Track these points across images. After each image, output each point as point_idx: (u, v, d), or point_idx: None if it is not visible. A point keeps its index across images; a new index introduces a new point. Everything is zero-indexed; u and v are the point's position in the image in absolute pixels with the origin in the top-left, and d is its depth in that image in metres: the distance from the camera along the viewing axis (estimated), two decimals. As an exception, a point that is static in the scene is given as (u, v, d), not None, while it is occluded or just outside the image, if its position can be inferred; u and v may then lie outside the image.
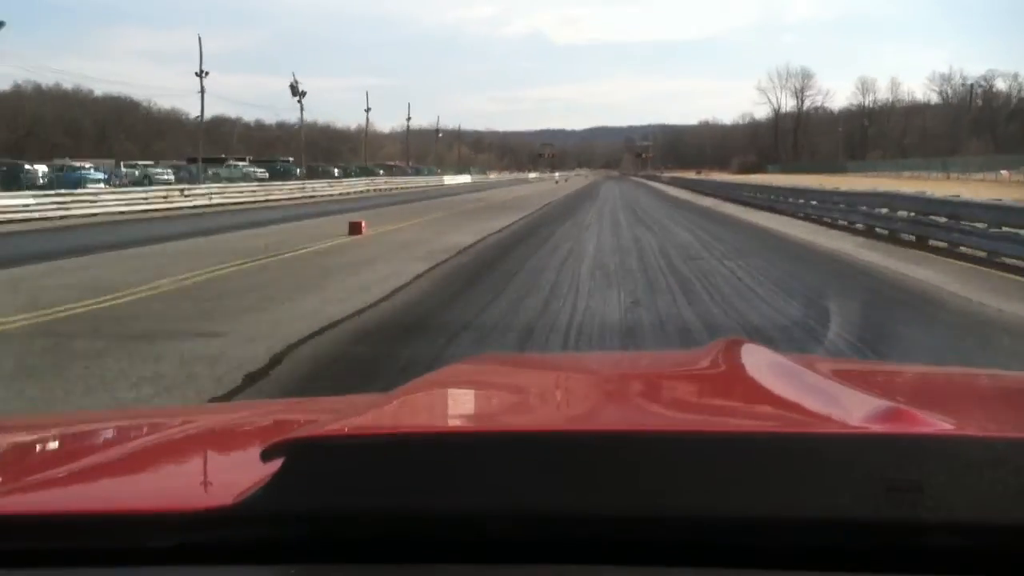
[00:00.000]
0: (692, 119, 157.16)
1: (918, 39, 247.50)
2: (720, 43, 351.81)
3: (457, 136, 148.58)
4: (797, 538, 0.74)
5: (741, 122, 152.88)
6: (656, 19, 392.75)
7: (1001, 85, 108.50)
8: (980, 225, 12.76)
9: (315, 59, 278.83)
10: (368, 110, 77.13)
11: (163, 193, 30.31)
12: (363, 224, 17.32)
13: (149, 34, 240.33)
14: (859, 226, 18.03)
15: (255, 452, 0.83)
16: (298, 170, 56.78)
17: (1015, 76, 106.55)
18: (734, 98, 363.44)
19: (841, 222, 19.29)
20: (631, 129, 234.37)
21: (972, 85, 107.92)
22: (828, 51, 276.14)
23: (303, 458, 0.79)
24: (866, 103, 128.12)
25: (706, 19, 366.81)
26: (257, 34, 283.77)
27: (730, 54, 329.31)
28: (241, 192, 35.97)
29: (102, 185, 34.10)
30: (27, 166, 35.65)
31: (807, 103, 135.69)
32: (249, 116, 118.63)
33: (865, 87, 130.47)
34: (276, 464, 0.79)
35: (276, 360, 5.81)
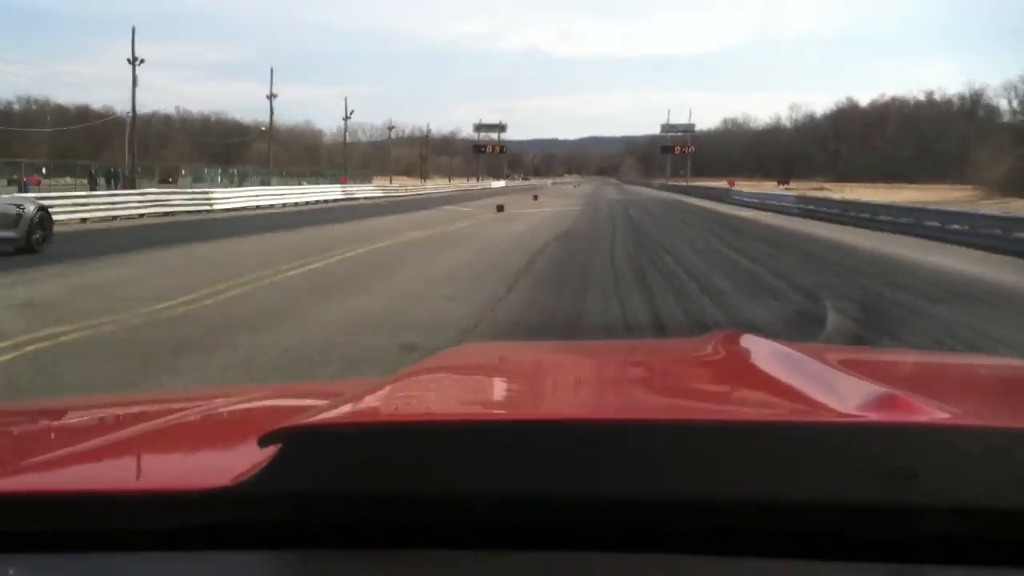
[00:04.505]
0: (702, 126, 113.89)
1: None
2: (717, 59, 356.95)
3: (412, 141, 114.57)
4: (792, 523, 0.74)
5: (790, 119, 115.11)
6: (652, 36, 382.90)
7: None
8: None
9: (310, 69, 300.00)
10: (272, 97, 47.86)
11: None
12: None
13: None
14: None
15: (253, 438, 0.82)
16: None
17: None
18: (738, 109, 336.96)
19: None
20: (628, 139, 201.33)
21: None
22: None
23: (300, 446, 0.78)
24: None
25: (703, 36, 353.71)
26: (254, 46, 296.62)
27: (728, 69, 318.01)
28: None
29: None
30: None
31: None
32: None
33: None
34: (274, 450, 0.78)
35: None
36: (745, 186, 56.84)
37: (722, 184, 61.73)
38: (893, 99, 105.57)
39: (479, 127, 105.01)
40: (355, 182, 56.57)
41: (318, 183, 50.91)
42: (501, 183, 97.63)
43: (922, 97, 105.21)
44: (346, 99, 66.71)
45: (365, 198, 46.05)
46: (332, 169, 72.73)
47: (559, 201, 42.27)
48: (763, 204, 34.72)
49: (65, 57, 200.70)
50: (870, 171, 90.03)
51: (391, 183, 75.26)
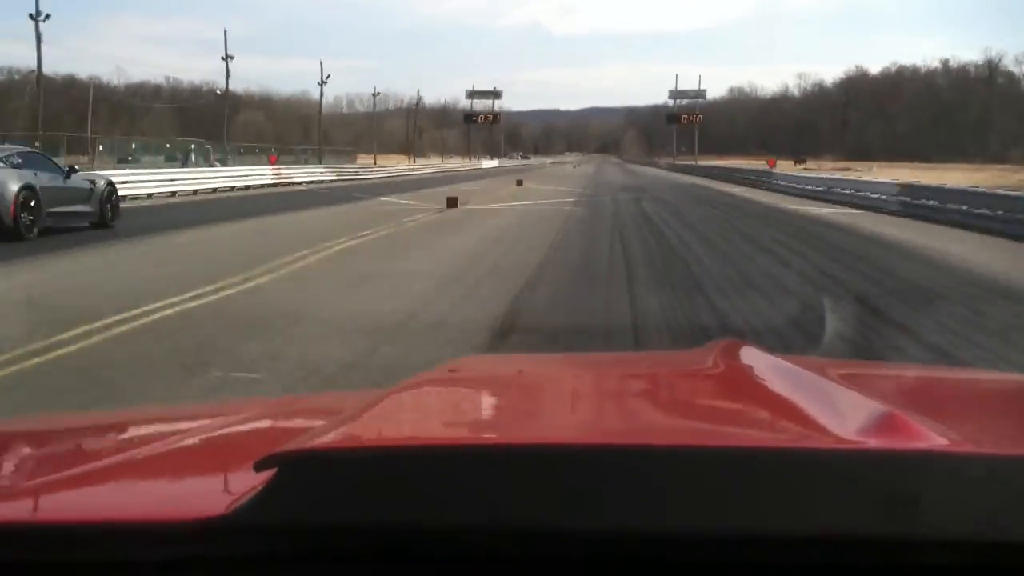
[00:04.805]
0: (708, 96, 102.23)
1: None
2: (719, 33, 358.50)
3: (409, 112, 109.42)
4: (794, 555, 0.73)
5: (798, 87, 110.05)
6: (653, 11, 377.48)
7: None
8: None
9: (308, 43, 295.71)
10: (228, 59, 51.52)
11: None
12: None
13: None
14: None
15: (247, 460, 0.81)
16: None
17: None
18: (744, 80, 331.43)
19: None
20: (631, 109, 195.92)
21: None
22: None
23: (296, 472, 0.77)
24: None
25: (703, 10, 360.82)
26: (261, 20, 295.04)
27: (730, 43, 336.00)
28: None
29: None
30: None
31: None
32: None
33: None
34: (271, 475, 0.77)
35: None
36: (754, 165, 51.74)
37: (743, 163, 56.85)
38: (904, 67, 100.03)
39: (472, 93, 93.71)
40: (323, 161, 51.70)
41: (255, 164, 42.40)
42: (494, 162, 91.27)
43: (936, 64, 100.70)
44: (321, 62, 59.79)
45: (308, 183, 36.69)
46: (325, 144, 67.60)
47: (548, 188, 32.93)
48: (829, 195, 24.02)
49: (64, 32, 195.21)
50: (883, 144, 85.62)
51: (375, 163, 68.56)
